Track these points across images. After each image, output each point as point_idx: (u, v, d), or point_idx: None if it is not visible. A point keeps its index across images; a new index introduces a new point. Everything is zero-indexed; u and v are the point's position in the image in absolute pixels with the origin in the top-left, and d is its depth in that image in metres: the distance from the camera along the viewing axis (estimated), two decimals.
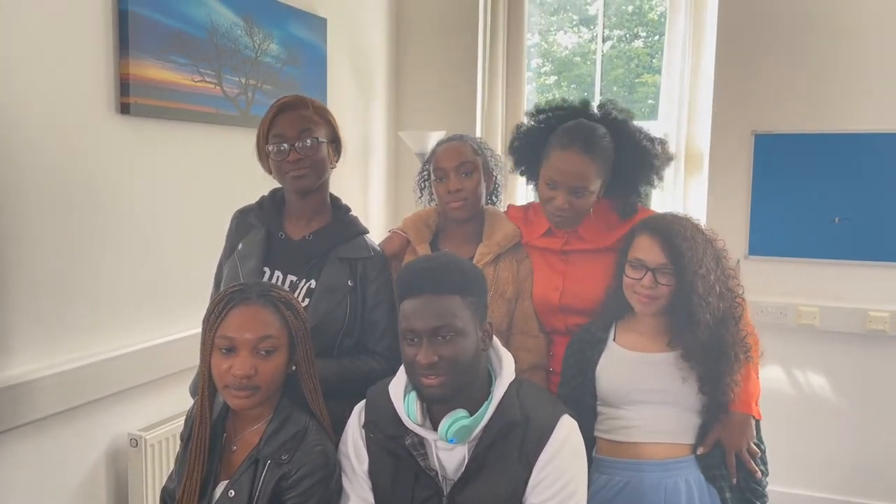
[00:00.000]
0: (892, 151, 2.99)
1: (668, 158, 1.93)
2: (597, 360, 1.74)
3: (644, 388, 1.68)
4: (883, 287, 3.04)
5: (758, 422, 1.75)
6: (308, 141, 1.70)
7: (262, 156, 1.77)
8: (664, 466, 1.67)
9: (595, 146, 1.79)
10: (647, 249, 1.67)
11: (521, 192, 3.67)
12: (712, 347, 1.64)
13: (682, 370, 1.66)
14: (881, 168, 3.01)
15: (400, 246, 1.96)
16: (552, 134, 1.84)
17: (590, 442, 1.72)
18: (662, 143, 1.90)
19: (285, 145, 1.70)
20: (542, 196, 1.85)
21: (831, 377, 3.15)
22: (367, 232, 1.86)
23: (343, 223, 1.82)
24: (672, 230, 1.66)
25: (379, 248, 1.86)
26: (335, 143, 1.80)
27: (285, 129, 1.70)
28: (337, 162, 1.83)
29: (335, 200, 1.86)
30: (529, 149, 1.93)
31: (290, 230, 1.79)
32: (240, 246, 1.78)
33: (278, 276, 1.74)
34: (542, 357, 1.91)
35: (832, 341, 3.10)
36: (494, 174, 2.00)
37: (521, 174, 2.01)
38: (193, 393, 1.58)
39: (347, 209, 1.86)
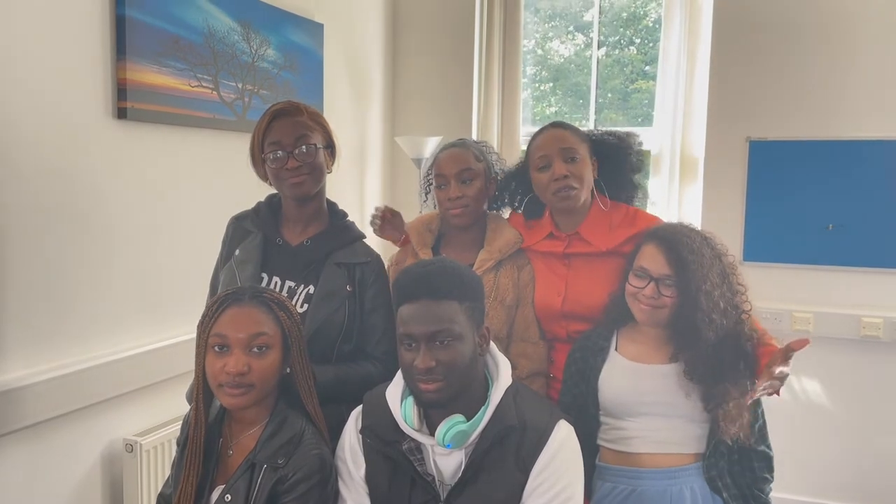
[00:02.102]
0: (886, 158, 3.01)
1: (637, 145, 1.98)
2: (599, 368, 1.73)
3: (647, 399, 1.67)
4: (876, 293, 3.05)
5: (763, 424, 1.71)
6: (305, 147, 1.70)
7: (258, 163, 1.76)
8: (669, 474, 1.66)
9: (566, 124, 1.90)
10: (651, 258, 1.66)
11: None
12: (715, 365, 1.61)
13: (687, 384, 1.65)
14: (875, 175, 3.03)
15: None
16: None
17: (592, 449, 1.72)
18: (629, 135, 1.97)
19: (282, 152, 1.70)
20: (538, 182, 1.87)
21: (825, 383, 3.16)
22: (365, 237, 1.86)
23: (340, 228, 1.82)
24: (680, 241, 1.64)
25: (377, 253, 1.86)
26: (330, 147, 1.80)
27: (282, 136, 1.70)
28: (332, 167, 1.83)
29: (332, 206, 1.86)
30: (517, 181, 2.00)
31: (288, 236, 1.79)
32: (237, 252, 1.78)
33: (276, 282, 1.74)
34: (541, 364, 1.91)
35: (826, 347, 3.11)
36: (499, 179, 2.00)
37: (518, 205, 2.04)
38: (190, 399, 1.58)
39: (344, 214, 1.86)
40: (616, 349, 1.75)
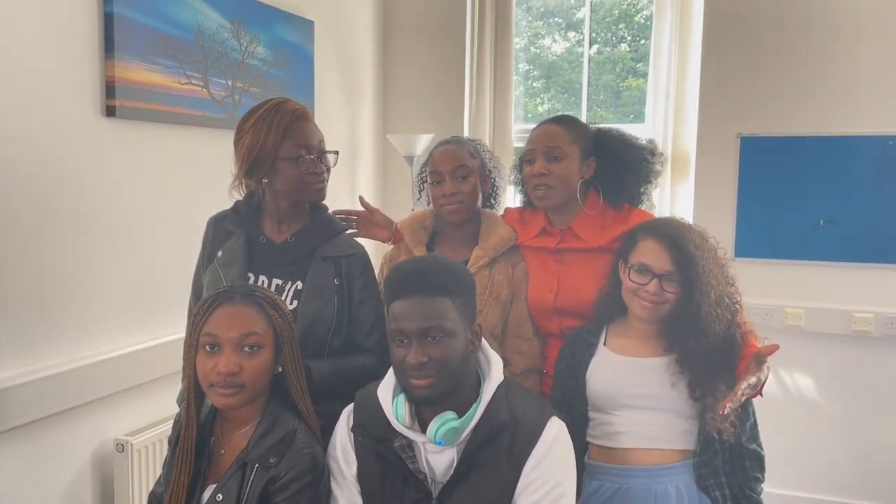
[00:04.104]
0: (877, 154, 3.02)
1: (659, 155, 1.96)
2: (587, 363, 1.72)
3: (633, 393, 1.66)
4: (867, 288, 3.06)
5: (754, 423, 1.71)
6: (328, 152, 1.74)
7: (265, 162, 1.69)
8: (654, 472, 1.65)
9: (566, 120, 1.90)
10: (653, 255, 1.63)
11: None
12: (709, 355, 1.61)
13: (673, 375, 1.64)
14: (865, 170, 3.04)
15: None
16: None
17: (582, 447, 1.71)
18: (651, 141, 1.95)
19: (311, 156, 1.70)
20: (524, 175, 1.90)
21: (817, 378, 3.17)
22: (347, 230, 1.86)
23: (323, 222, 1.81)
24: (683, 237, 1.63)
25: (361, 245, 1.85)
26: None
27: (311, 139, 1.71)
28: None
29: None
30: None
31: (271, 233, 1.77)
32: (219, 253, 1.75)
33: (263, 281, 1.72)
34: (535, 360, 1.91)
35: (818, 342, 3.13)
36: (492, 176, 2.00)
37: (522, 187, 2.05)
38: (181, 403, 1.58)
39: (325, 208, 1.85)
40: (605, 343, 1.74)
